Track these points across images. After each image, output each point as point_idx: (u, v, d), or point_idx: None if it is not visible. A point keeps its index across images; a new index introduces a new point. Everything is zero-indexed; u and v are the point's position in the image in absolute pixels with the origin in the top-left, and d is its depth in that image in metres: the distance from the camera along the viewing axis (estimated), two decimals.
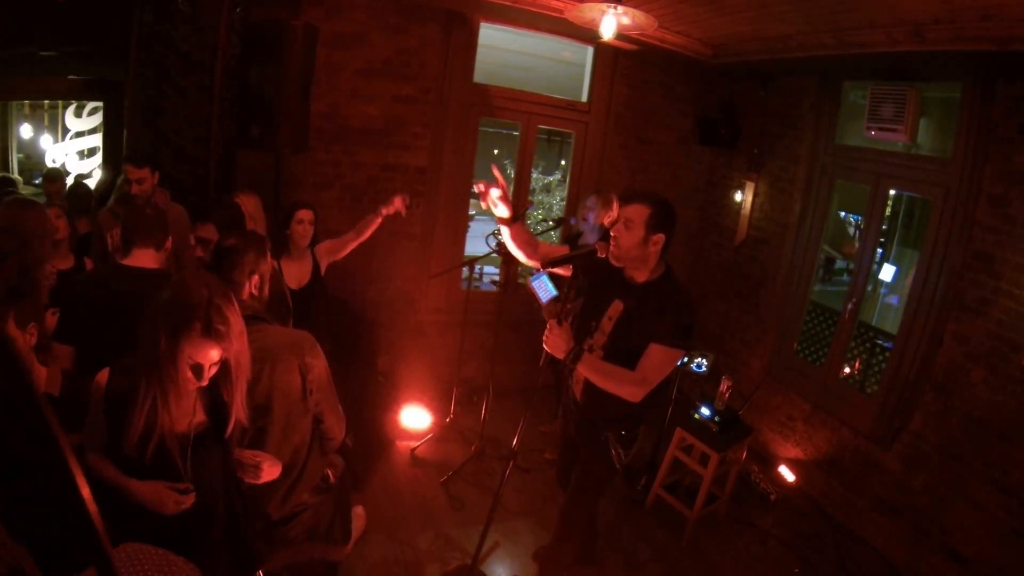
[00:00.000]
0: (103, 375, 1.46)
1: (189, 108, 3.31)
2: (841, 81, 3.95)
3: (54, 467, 1.10)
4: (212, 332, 1.37)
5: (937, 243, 3.28)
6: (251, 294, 1.87)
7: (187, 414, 1.49)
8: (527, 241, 2.31)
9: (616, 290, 2.14)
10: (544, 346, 2.07)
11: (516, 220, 2.22)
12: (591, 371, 2.03)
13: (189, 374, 1.39)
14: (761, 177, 4.53)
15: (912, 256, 5.70)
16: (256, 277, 1.88)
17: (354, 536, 2.78)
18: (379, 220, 3.14)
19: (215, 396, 1.53)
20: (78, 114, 5.45)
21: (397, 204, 3.11)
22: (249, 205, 3.03)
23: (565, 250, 2.39)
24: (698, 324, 2.24)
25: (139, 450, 1.40)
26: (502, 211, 2.17)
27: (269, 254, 1.95)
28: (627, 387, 2.01)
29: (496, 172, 2.13)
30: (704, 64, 4.30)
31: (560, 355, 2.02)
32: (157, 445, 1.41)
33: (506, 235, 2.28)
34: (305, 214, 2.98)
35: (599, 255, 2.07)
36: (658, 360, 2.00)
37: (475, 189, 2.15)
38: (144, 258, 2.14)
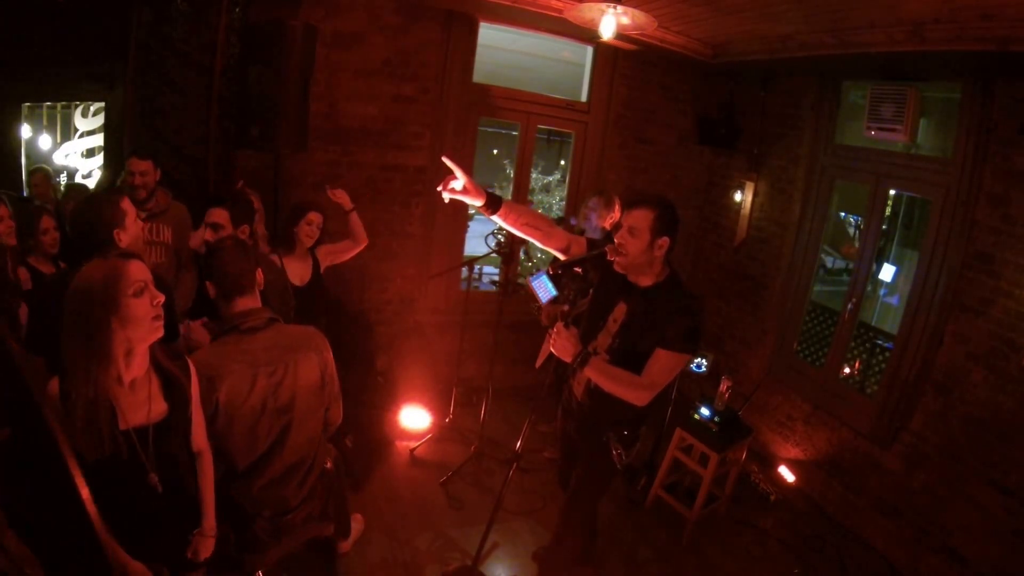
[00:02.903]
0: (54, 384, 1.39)
1: (188, 108, 3.31)
2: (841, 81, 3.95)
3: (54, 469, 1.10)
4: (134, 256, 1.41)
5: (937, 243, 3.27)
6: (259, 290, 1.92)
7: (142, 403, 1.46)
8: (531, 223, 2.18)
9: (621, 293, 2.13)
10: (551, 349, 2.05)
11: (499, 203, 2.09)
12: (598, 375, 2.03)
13: (142, 311, 1.38)
14: (761, 177, 4.53)
15: (912, 256, 5.70)
16: (260, 272, 1.92)
17: (352, 537, 2.79)
18: (351, 214, 3.22)
19: (170, 376, 1.53)
20: (85, 114, 5.46)
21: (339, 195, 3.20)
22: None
23: (581, 243, 2.28)
24: (704, 327, 2.23)
25: (93, 446, 1.35)
26: (475, 201, 2.03)
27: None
28: (634, 391, 2.01)
29: (448, 162, 1.98)
30: (704, 64, 4.30)
31: (567, 358, 2.02)
32: (111, 439, 1.37)
33: (500, 223, 2.15)
34: (315, 216, 2.99)
35: (609, 257, 2.05)
36: (665, 365, 2.00)
37: (444, 196, 1.99)
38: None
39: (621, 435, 2.23)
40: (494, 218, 2.12)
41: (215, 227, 2.65)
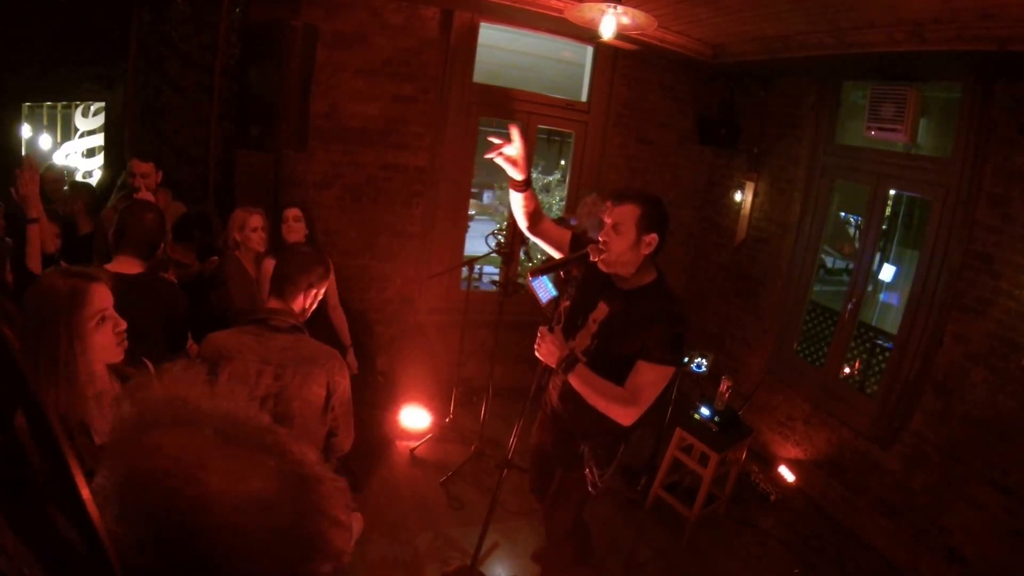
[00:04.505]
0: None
1: (189, 108, 3.31)
2: (841, 81, 3.95)
3: (54, 469, 1.10)
4: (95, 278, 1.36)
5: (937, 243, 3.27)
6: (303, 307, 1.94)
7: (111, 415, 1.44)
8: (534, 211, 2.17)
9: (603, 292, 2.04)
10: (536, 354, 1.96)
11: (530, 185, 2.09)
12: (582, 383, 1.91)
13: (103, 339, 1.34)
14: (761, 177, 4.53)
15: (912, 256, 5.70)
16: (313, 291, 1.95)
17: (353, 538, 2.78)
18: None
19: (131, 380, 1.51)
20: (85, 114, 5.46)
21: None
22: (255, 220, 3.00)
23: (565, 236, 2.24)
24: (689, 334, 2.14)
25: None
26: (518, 174, 2.01)
27: (330, 279, 2.01)
28: (618, 407, 1.90)
29: (515, 132, 1.93)
30: (704, 64, 4.30)
31: (552, 363, 1.92)
32: (91, 456, 1.32)
33: (516, 200, 2.13)
34: (290, 212, 2.99)
35: (591, 259, 1.96)
36: (647, 379, 1.89)
37: (487, 156, 1.96)
38: (129, 265, 2.09)
39: (595, 451, 2.14)
40: (514, 194, 2.10)
41: (179, 264, 2.65)
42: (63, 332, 1.29)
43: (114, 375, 1.47)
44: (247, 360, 1.78)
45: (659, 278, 2.02)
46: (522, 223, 2.20)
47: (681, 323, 1.95)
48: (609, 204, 2.00)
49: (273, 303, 1.90)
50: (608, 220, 1.95)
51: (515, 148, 1.93)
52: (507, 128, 1.97)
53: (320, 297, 2.00)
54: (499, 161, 1.96)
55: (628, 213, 1.91)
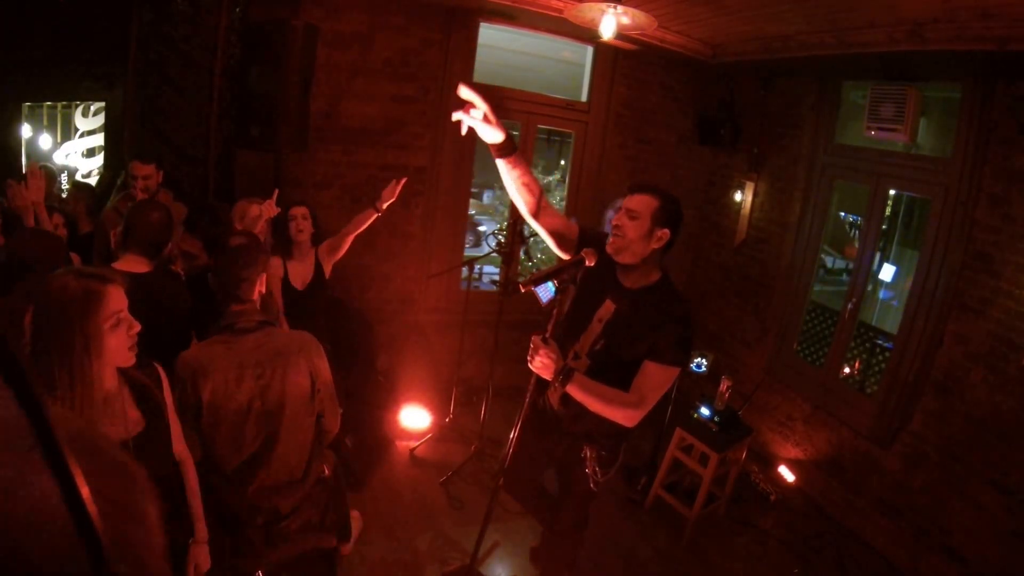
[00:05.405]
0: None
1: (189, 108, 3.32)
2: (841, 81, 3.95)
3: (53, 466, 1.10)
4: (110, 280, 1.33)
5: (937, 243, 3.27)
6: (259, 292, 1.91)
7: (118, 418, 1.40)
8: (529, 185, 1.97)
9: (608, 291, 2.00)
10: (530, 366, 1.86)
11: (514, 148, 1.86)
12: (582, 393, 1.85)
13: (117, 343, 1.32)
14: (761, 177, 4.53)
15: (912, 256, 5.70)
16: (263, 276, 1.92)
17: (353, 537, 2.78)
18: (376, 216, 3.09)
19: (140, 385, 1.48)
20: (85, 114, 5.47)
21: (394, 192, 3.04)
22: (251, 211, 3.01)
23: (573, 229, 2.09)
24: (694, 336, 2.11)
25: None
26: (492, 136, 1.77)
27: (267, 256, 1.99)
28: (623, 411, 1.87)
29: (467, 90, 1.68)
30: (704, 64, 4.30)
31: (548, 376, 1.83)
32: None
33: (504, 171, 1.92)
34: (296, 210, 2.99)
35: (588, 263, 1.90)
36: (655, 380, 1.88)
37: (454, 117, 1.73)
38: (136, 264, 2.09)
39: (599, 454, 2.12)
40: (499, 163, 1.90)
41: (188, 256, 2.65)
42: (78, 335, 1.26)
43: (123, 379, 1.47)
44: (223, 371, 1.76)
45: (664, 278, 2.00)
46: (520, 204, 2.02)
47: (688, 325, 1.94)
48: (628, 192, 1.96)
49: (235, 306, 1.84)
50: (625, 206, 1.93)
51: (480, 109, 1.72)
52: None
53: (267, 280, 1.97)
54: (469, 122, 1.73)
55: (646, 203, 1.90)
